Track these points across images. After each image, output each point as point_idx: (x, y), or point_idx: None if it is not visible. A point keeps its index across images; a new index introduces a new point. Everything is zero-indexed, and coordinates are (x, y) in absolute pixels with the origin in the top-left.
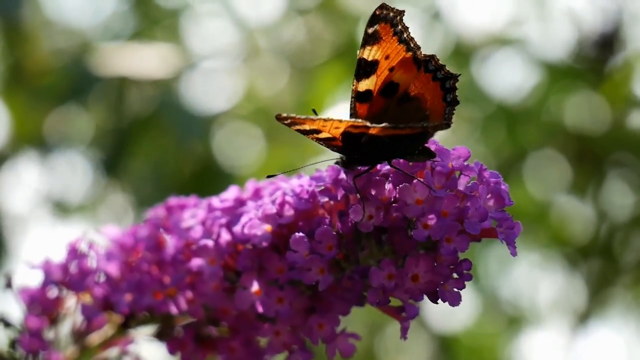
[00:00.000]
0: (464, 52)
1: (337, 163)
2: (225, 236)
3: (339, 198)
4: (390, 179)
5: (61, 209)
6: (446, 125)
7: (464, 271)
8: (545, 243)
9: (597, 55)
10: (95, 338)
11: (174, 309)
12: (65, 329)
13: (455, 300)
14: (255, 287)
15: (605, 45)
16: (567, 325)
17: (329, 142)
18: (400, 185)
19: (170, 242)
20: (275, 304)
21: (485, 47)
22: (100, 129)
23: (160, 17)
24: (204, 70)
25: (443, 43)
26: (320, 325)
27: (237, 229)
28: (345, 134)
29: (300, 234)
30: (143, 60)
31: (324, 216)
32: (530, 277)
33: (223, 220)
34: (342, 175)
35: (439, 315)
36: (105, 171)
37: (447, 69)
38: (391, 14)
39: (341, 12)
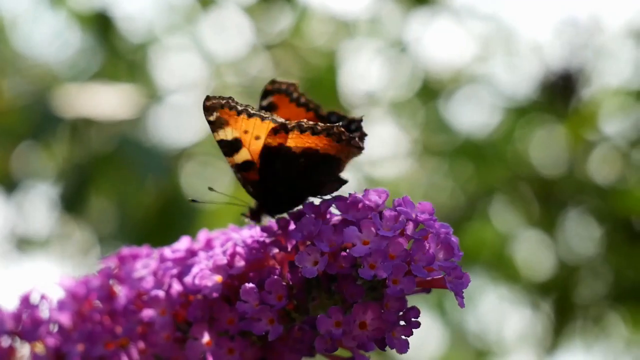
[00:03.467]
0: (431, 87)
1: (243, 214)
2: (176, 287)
3: (289, 249)
4: (336, 228)
5: (24, 244)
6: (360, 149)
7: (412, 318)
8: (509, 277)
9: (562, 91)
10: None
11: (125, 359)
12: None
13: (402, 348)
14: (206, 337)
15: (570, 80)
16: (534, 359)
17: (245, 175)
18: (347, 227)
19: (122, 293)
20: (226, 354)
21: (452, 82)
22: (62, 166)
23: (128, 52)
24: (171, 105)
25: (410, 78)
26: None
27: (188, 279)
28: (263, 153)
29: (251, 284)
30: (105, 101)
31: (274, 267)
32: (497, 311)
33: (174, 271)
34: (292, 226)
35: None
36: (66, 208)
37: (304, 123)
38: (222, 101)
39: (307, 47)
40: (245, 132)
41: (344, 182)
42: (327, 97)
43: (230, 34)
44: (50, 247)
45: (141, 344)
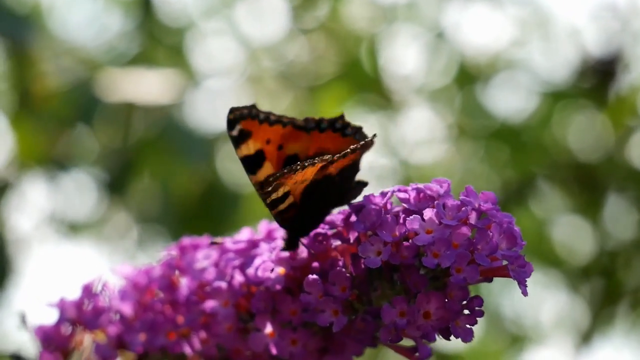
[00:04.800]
0: (468, 72)
1: (282, 249)
2: (238, 278)
3: (351, 241)
4: (398, 218)
5: (67, 228)
6: (372, 142)
7: (476, 307)
8: (548, 263)
9: (601, 76)
10: None
11: (187, 349)
12: None
13: (467, 336)
14: (269, 329)
15: (608, 65)
16: (571, 344)
17: (285, 215)
18: (410, 217)
19: (184, 283)
20: (289, 345)
21: (489, 67)
22: (105, 150)
23: (165, 36)
24: (208, 90)
25: (447, 63)
26: None
27: (250, 271)
28: (305, 191)
29: (314, 276)
30: (147, 85)
31: (336, 258)
32: (534, 296)
33: (236, 262)
34: (354, 218)
35: None
36: (110, 191)
37: (324, 118)
38: (245, 111)
39: (344, 31)
40: (268, 141)
41: (365, 184)
42: (362, 82)
43: (267, 19)
44: (93, 230)
45: (203, 334)
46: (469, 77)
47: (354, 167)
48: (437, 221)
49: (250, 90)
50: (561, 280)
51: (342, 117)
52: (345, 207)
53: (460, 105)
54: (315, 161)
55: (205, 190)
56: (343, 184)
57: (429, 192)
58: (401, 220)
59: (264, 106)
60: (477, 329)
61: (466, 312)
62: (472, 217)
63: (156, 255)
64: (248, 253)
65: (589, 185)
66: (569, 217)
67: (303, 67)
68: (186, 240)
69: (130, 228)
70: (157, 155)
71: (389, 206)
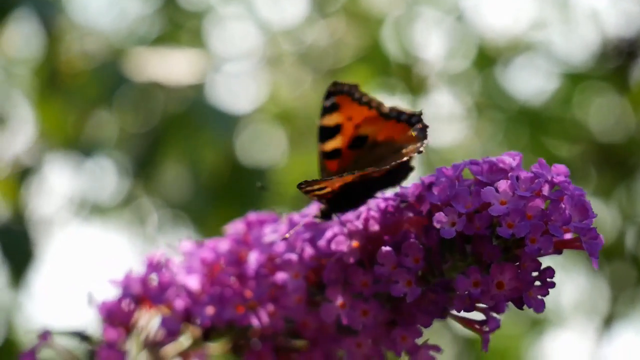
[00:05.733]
0: (487, 55)
1: (315, 217)
2: (308, 250)
3: (423, 213)
4: (471, 189)
5: (92, 210)
6: (423, 144)
7: (548, 279)
8: None
9: (620, 58)
10: (169, 350)
11: (255, 322)
12: (140, 341)
13: (539, 307)
14: (340, 300)
15: (628, 47)
16: (591, 328)
17: (322, 195)
18: (484, 189)
19: (252, 257)
20: (360, 316)
21: (509, 49)
22: (130, 131)
23: (185, 20)
24: (228, 73)
25: (466, 46)
26: (403, 338)
27: (321, 243)
28: (344, 184)
29: (388, 247)
30: (172, 65)
31: (408, 230)
32: (554, 279)
33: (306, 235)
34: (427, 192)
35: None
36: (136, 172)
37: (406, 110)
38: (345, 88)
39: (364, 15)
40: (350, 118)
41: (412, 168)
42: (382, 65)
43: (286, 2)
44: (117, 214)
45: (270, 307)
46: (488, 60)
47: (400, 167)
48: (511, 193)
49: (270, 74)
50: (582, 263)
51: (420, 113)
52: (417, 181)
53: (480, 88)
54: (354, 173)
55: (232, 171)
56: (387, 178)
57: (500, 164)
58: (474, 193)
59: (283, 90)
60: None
61: (538, 283)
62: (545, 189)
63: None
64: (317, 226)
65: (610, 167)
66: (590, 199)
67: (323, 51)
68: (252, 216)
69: (153, 212)
70: (184, 131)
71: (460, 178)
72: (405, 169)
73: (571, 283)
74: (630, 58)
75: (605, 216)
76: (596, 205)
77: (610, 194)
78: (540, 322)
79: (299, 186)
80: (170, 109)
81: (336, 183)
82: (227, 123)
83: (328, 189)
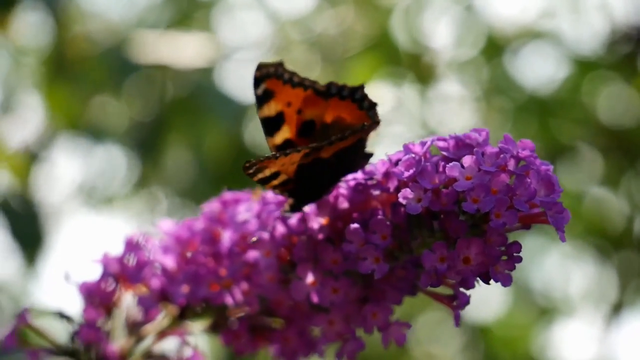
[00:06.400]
0: (496, 44)
1: (284, 211)
2: (280, 229)
3: (391, 190)
4: (437, 165)
5: (100, 198)
6: (377, 123)
7: (514, 253)
8: (578, 234)
9: (629, 47)
10: (149, 329)
11: (229, 300)
12: (120, 320)
13: (506, 281)
14: (310, 278)
15: (637, 36)
16: (600, 316)
17: (283, 187)
18: (450, 164)
19: (226, 235)
20: (330, 294)
21: (518, 38)
22: (136, 117)
23: (194, 10)
24: (236, 62)
25: (475, 35)
26: (374, 315)
27: (292, 221)
28: (298, 169)
29: (356, 225)
30: (181, 49)
31: (376, 207)
32: (562, 268)
33: (277, 213)
34: (393, 169)
35: (471, 305)
36: (143, 154)
37: (347, 85)
38: (271, 70)
39: (373, 3)
40: (289, 104)
41: (370, 155)
42: (391, 54)
43: None
44: (124, 201)
45: (245, 285)
46: (497, 49)
47: (355, 146)
48: (476, 168)
49: None
50: (590, 252)
51: (362, 87)
52: (384, 158)
53: (489, 76)
54: (299, 149)
55: (237, 157)
56: (345, 160)
57: (467, 140)
58: (440, 169)
59: None
60: (506, 300)
61: (505, 257)
62: (511, 164)
63: (187, 206)
64: None
65: (619, 154)
66: (599, 187)
67: (331, 40)
68: (228, 195)
69: (160, 200)
70: (190, 115)
71: (427, 155)
72: (362, 154)
73: (580, 272)
74: (639, 46)
75: (613, 204)
76: (606, 193)
77: (619, 182)
78: (549, 311)
79: (244, 168)
80: (177, 92)
81: (279, 161)
82: (234, 109)
83: (282, 177)
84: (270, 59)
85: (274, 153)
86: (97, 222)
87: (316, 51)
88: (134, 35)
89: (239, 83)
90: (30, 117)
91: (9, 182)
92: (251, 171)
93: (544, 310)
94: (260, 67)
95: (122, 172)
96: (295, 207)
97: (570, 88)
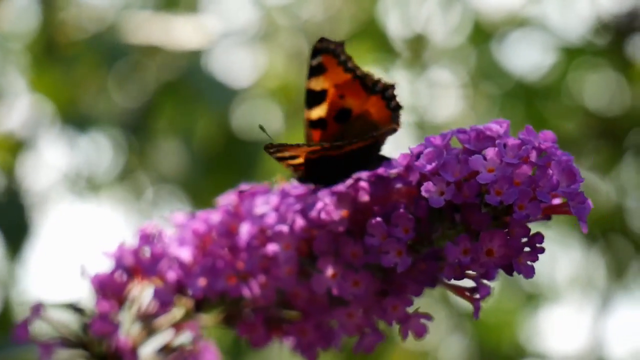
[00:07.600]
0: (482, 30)
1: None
2: (300, 222)
3: (413, 183)
4: (459, 158)
5: (87, 185)
6: (393, 130)
7: (537, 244)
8: (564, 219)
9: (616, 33)
10: (162, 322)
11: (247, 293)
12: (133, 313)
13: (529, 273)
14: (330, 271)
15: (624, 23)
16: (586, 302)
17: (297, 167)
18: (472, 157)
19: (243, 228)
20: (351, 287)
21: (505, 25)
22: (124, 103)
23: None
24: (223, 48)
25: (461, 21)
26: (394, 307)
27: (312, 214)
28: (306, 160)
29: (378, 218)
30: (170, 32)
31: (398, 201)
32: (548, 254)
33: (297, 207)
34: (415, 162)
35: None
36: (131, 143)
37: (382, 80)
38: (332, 46)
39: None
40: (335, 85)
41: (384, 159)
42: (378, 41)
43: None
44: (112, 189)
45: (262, 279)
46: (484, 35)
47: (367, 147)
48: (498, 160)
49: (266, 49)
50: (576, 238)
51: (393, 86)
52: (406, 151)
53: (475, 63)
54: (310, 145)
55: (226, 142)
56: (357, 158)
57: (488, 132)
58: (462, 161)
59: (279, 65)
60: (493, 286)
61: (527, 249)
62: (533, 156)
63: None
64: (307, 197)
65: (606, 141)
66: (585, 173)
67: (319, 26)
68: (244, 187)
69: (148, 187)
70: (179, 99)
71: (449, 147)
72: (376, 156)
73: (566, 258)
74: (625, 33)
75: (601, 190)
76: (593, 179)
77: (607, 168)
78: (536, 296)
79: (266, 148)
80: (167, 76)
81: (302, 153)
82: (224, 94)
83: (299, 160)
84: (255, 45)
85: (297, 144)
86: (84, 210)
87: (303, 37)
88: (122, 19)
89: (226, 68)
90: (17, 104)
91: None
92: (272, 150)
93: (531, 296)
94: (322, 40)
95: (109, 159)
96: (304, 181)
97: (557, 74)
